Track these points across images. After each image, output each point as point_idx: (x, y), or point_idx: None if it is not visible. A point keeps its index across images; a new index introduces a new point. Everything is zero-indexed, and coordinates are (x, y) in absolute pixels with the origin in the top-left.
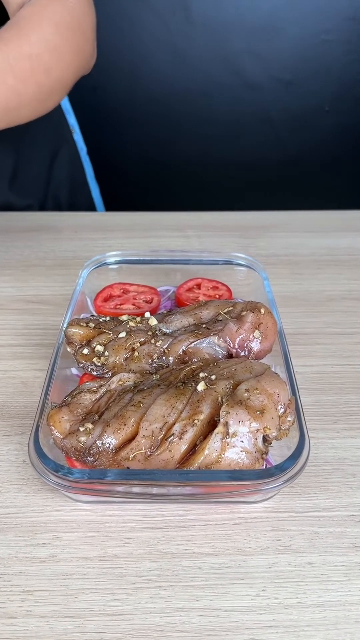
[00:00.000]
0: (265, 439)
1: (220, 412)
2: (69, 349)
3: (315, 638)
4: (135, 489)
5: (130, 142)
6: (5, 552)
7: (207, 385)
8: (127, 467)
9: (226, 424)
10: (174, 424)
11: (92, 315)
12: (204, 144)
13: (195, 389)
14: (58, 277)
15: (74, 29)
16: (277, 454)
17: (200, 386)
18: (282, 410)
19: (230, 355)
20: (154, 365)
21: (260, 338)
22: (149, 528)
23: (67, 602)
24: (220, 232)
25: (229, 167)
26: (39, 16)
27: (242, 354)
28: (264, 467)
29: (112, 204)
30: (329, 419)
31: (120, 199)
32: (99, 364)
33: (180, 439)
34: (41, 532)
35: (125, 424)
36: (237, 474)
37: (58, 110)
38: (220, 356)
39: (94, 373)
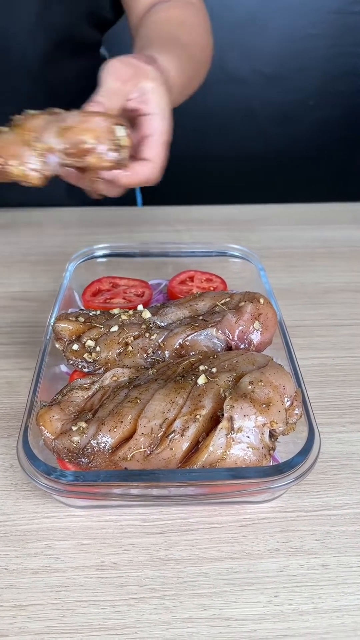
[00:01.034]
0: (272, 434)
1: (224, 406)
2: (57, 345)
3: None
4: (134, 491)
5: None
6: None
7: (208, 378)
8: (125, 468)
9: (231, 419)
10: (174, 420)
11: (81, 310)
12: (186, 137)
13: (196, 383)
14: (44, 273)
15: (209, 32)
16: (282, 450)
17: (201, 379)
18: (289, 403)
19: (229, 348)
20: (149, 360)
21: (261, 329)
22: (150, 533)
23: (63, 617)
24: (211, 225)
25: (211, 160)
26: (197, 22)
27: (242, 346)
28: (270, 463)
29: (99, 200)
30: (334, 413)
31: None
32: (91, 360)
33: (182, 435)
34: (32, 540)
35: (122, 422)
36: (245, 472)
37: None
38: (219, 349)
39: (85, 370)
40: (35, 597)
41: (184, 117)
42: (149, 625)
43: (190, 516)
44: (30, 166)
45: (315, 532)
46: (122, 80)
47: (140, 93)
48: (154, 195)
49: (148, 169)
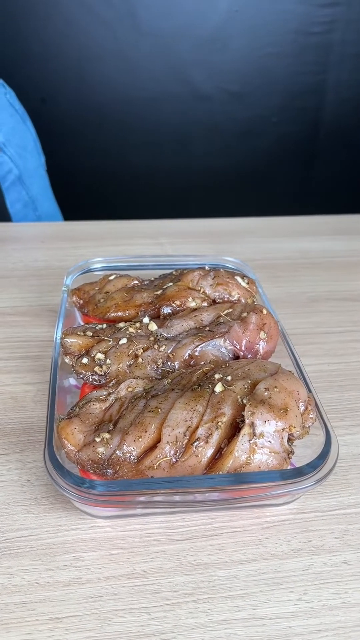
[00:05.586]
0: (289, 438)
1: (245, 413)
2: (67, 360)
3: None
4: (158, 498)
5: (80, 152)
6: (24, 578)
7: (224, 386)
8: (151, 477)
9: (252, 425)
10: (197, 427)
11: (87, 324)
12: (151, 152)
13: (213, 391)
14: (32, 288)
15: None
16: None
17: (218, 387)
18: (303, 407)
19: (236, 357)
20: (159, 370)
21: (266, 339)
22: (175, 540)
23: (101, 627)
24: (193, 238)
25: (177, 175)
26: None
27: (249, 356)
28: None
29: (65, 215)
30: (335, 417)
31: (72, 208)
32: (101, 372)
33: (206, 442)
34: (60, 553)
35: (145, 431)
36: (271, 475)
37: None
38: (227, 358)
39: (95, 383)
40: (70, 609)
41: (148, 131)
42: (187, 629)
43: (212, 522)
44: None
45: (333, 531)
46: None
47: None
48: (125, 209)
49: None
